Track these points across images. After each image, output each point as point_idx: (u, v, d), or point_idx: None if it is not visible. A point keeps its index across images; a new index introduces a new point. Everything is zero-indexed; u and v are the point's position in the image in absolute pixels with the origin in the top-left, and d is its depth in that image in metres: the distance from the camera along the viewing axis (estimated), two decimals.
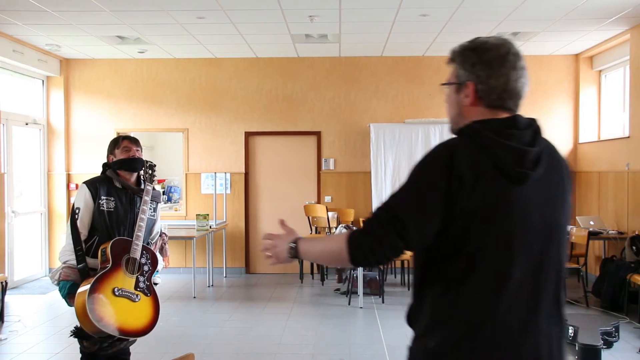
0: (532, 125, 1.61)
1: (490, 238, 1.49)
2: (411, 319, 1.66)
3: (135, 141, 3.34)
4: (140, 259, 3.14)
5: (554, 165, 1.59)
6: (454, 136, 1.63)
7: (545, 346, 1.54)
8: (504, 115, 1.59)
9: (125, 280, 3.05)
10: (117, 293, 2.99)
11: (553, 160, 1.59)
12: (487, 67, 1.56)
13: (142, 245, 3.16)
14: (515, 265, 1.49)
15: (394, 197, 1.57)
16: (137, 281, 3.10)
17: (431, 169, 1.55)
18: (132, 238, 3.15)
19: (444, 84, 1.69)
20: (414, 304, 1.66)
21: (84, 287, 2.93)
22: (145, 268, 3.17)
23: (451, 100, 1.67)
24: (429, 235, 1.52)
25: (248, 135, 8.55)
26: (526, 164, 1.50)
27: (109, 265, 3.01)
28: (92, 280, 2.93)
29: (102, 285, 2.95)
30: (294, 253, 1.72)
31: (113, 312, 2.95)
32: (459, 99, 1.63)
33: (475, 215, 1.48)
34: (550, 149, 1.61)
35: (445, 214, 1.49)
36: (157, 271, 3.45)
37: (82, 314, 2.89)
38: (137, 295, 3.07)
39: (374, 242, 1.53)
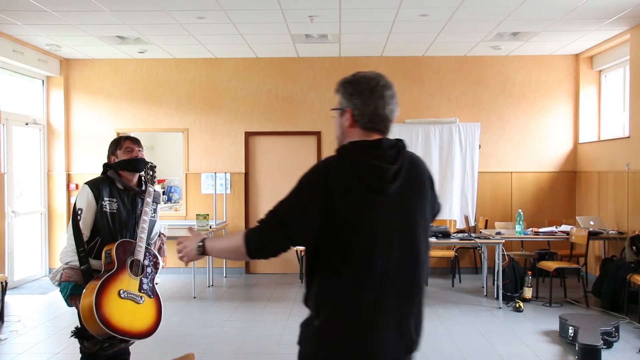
0: (397, 146, 1.98)
1: (357, 237, 1.88)
2: (305, 303, 2.04)
3: (137, 142, 3.32)
4: (143, 260, 3.14)
5: (413, 177, 1.98)
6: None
7: (407, 322, 1.94)
8: (376, 136, 1.97)
9: (130, 283, 3.05)
10: (122, 295, 2.99)
11: (413, 173, 1.98)
12: (360, 96, 1.96)
13: (145, 246, 3.16)
14: (378, 258, 1.88)
15: (282, 204, 1.92)
16: (141, 283, 3.10)
17: (311, 182, 1.91)
18: (134, 239, 3.15)
19: (332, 109, 2.07)
20: (305, 290, 2.04)
21: (91, 290, 2.92)
22: (149, 270, 3.17)
23: (337, 122, 2.06)
24: (309, 235, 1.89)
25: (248, 135, 8.55)
26: (385, 179, 1.89)
27: (114, 267, 3.01)
28: (99, 282, 2.93)
29: (108, 288, 2.95)
30: (202, 250, 2.07)
31: (119, 314, 2.95)
32: (341, 122, 2.03)
33: (346, 218, 1.87)
34: (412, 164, 1.99)
35: (323, 218, 1.86)
36: None
37: (88, 317, 2.89)
38: (141, 297, 3.07)
39: (264, 239, 1.91)
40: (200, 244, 2.08)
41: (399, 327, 1.93)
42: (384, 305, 1.90)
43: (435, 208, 2.14)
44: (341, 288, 1.90)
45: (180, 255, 2.16)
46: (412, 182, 1.98)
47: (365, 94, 1.97)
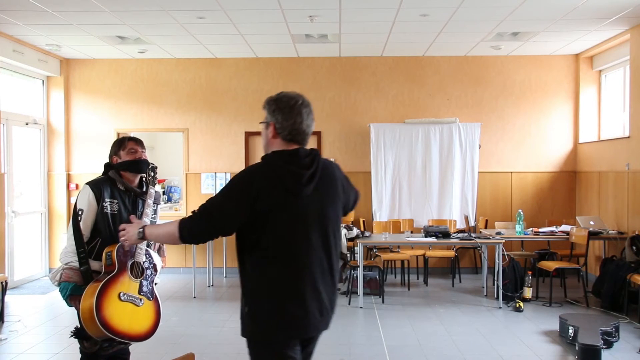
0: (311, 154, 2.36)
1: (279, 231, 2.25)
2: (242, 290, 2.40)
3: (140, 142, 3.31)
4: (143, 263, 3.14)
5: (326, 179, 2.38)
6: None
7: (325, 301, 2.37)
8: (294, 146, 2.35)
9: (130, 285, 3.05)
10: (122, 298, 2.99)
11: (326, 176, 2.38)
12: (281, 113, 2.33)
13: (145, 249, 3.17)
14: (298, 247, 2.27)
15: (212, 200, 2.29)
16: (141, 285, 3.10)
17: (239, 184, 2.27)
18: None
19: (260, 122, 2.46)
20: (240, 278, 2.39)
21: (92, 292, 2.92)
22: (148, 272, 3.17)
23: (263, 134, 2.43)
24: (232, 228, 2.28)
25: (248, 135, 8.55)
26: (301, 181, 2.27)
27: (115, 269, 3.01)
28: (99, 285, 2.93)
29: (109, 291, 2.95)
30: (142, 235, 2.51)
31: (119, 317, 2.95)
32: (266, 133, 2.40)
33: (268, 215, 2.24)
34: (325, 168, 2.39)
35: (248, 214, 2.22)
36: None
37: (89, 319, 2.89)
38: (140, 300, 3.07)
39: (195, 227, 2.28)
40: (141, 230, 2.52)
41: (320, 306, 2.35)
42: (305, 287, 2.28)
43: (351, 200, 2.57)
44: (268, 275, 2.27)
45: (123, 239, 2.57)
46: (325, 183, 2.37)
47: (286, 111, 2.34)
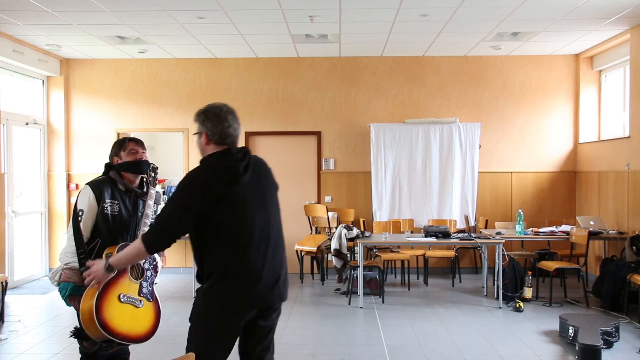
0: (242, 150, 2.73)
1: (228, 219, 2.57)
2: (198, 276, 2.71)
3: (140, 143, 3.30)
4: (143, 264, 3.13)
5: (259, 168, 2.79)
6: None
7: (276, 276, 2.67)
8: (225, 147, 2.70)
9: (130, 287, 3.05)
10: (122, 299, 2.99)
11: (258, 167, 2.78)
12: (210, 122, 2.69)
13: None
14: (245, 229, 2.59)
15: (167, 210, 2.60)
16: (141, 287, 3.10)
17: (185, 190, 2.60)
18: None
19: (194, 134, 2.80)
20: (198, 269, 2.70)
21: (91, 294, 2.91)
22: (148, 273, 3.16)
23: (197, 143, 2.77)
24: (188, 229, 2.60)
25: (248, 135, 8.55)
26: (238, 172, 2.61)
27: (115, 271, 2.99)
28: (99, 286, 2.92)
29: (109, 292, 2.95)
30: (110, 268, 2.81)
31: (118, 318, 2.95)
32: (200, 142, 2.74)
33: (216, 207, 2.55)
34: (256, 160, 2.79)
35: (199, 213, 2.54)
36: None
37: (88, 320, 2.89)
38: (140, 301, 3.07)
39: (158, 239, 2.61)
40: (107, 264, 2.80)
41: (271, 280, 2.64)
42: (257, 264, 2.59)
43: (276, 187, 2.91)
44: (223, 258, 2.57)
45: (89, 279, 2.83)
46: (260, 172, 2.77)
47: (214, 119, 2.69)
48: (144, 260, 3.12)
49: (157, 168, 3.35)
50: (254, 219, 2.62)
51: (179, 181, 2.69)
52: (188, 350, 2.62)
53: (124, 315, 2.98)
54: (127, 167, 3.20)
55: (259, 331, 2.72)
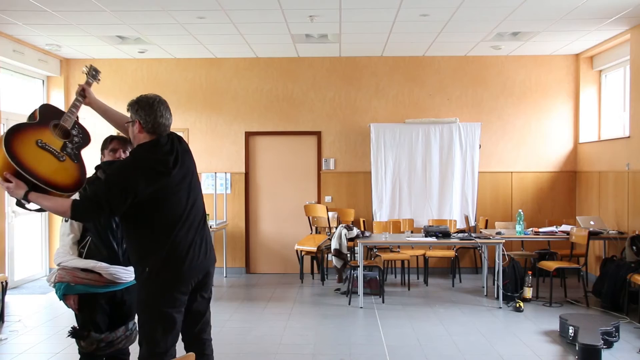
0: (169, 139, 2.92)
1: (162, 203, 2.81)
2: (131, 258, 2.96)
3: (124, 142, 3.30)
4: (71, 129, 2.98)
5: (185, 156, 2.96)
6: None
7: (206, 246, 2.97)
8: (155, 136, 2.88)
9: (51, 138, 2.87)
10: (40, 144, 2.80)
11: (184, 153, 2.95)
12: (143, 111, 2.85)
13: (77, 121, 3.04)
14: (178, 210, 2.84)
15: (101, 189, 2.71)
16: (65, 145, 2.91)
17: (122, 180, 2.73)
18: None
19: (126, 123, 2.97)
20: (129, 248, 2.95)
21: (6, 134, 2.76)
22: (76, 139, 3.00)
23: (130, 131, 2.93)
24: (117, 213, 2.77)
25: (248, 135, 8.55)
26: (168, 166, 2.82)
27: (36, 121, 2.89)
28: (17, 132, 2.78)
29: (25, 133, 2.79)
30: (26, 198, 2.70)
31: (35, 159, 2.76)
32: (133, 130, 2.90)
33: (152, 193, 2.76)
34: (182, 148, 2.97)
35: (133, 201, 2.71)
36: None
37: (3, 160, 2.69)
38: (62, 156, 2.87)
39: (86, 212, 2.73)
40: (25, 194, 2.68)
41: (203, 250, 2.93)
42: (190, 240, 2.86)
43: (195, 167, 3.10)
44: (159, 238, 2.79)
45: (8, 190, 2.69)
46: (185, 160, 2.94)
47: (147, 109, 2.84)
48: (72, 127, 3.02)
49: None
50: (186, 202, 2.88)
51: (116, 160, 3.00)
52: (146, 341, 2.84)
53: (43, 159, 2.79)
54: (106, 167, 3.23)
55: (203, 305, 3.02)
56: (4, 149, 2.67)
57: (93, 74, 3.29)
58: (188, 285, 2.87)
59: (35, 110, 2.94)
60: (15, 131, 2.77)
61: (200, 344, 3.03)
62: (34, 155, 2.76)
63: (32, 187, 2.71)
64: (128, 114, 2.92)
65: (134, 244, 2.88)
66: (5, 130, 2.79)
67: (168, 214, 2.82)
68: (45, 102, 3.13)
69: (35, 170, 2.72)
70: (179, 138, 3.02)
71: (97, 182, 2.87)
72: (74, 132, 3.01)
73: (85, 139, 3.06)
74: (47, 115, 2.94)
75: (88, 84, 3.23)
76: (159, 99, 2.90)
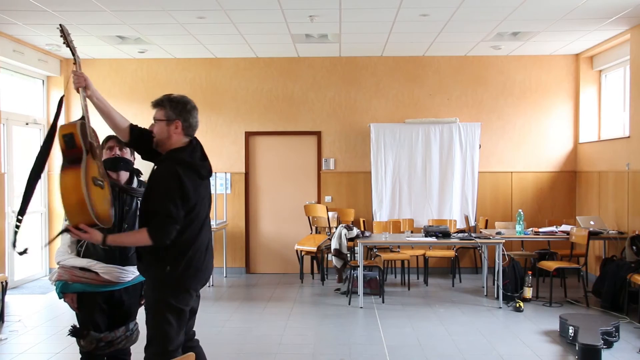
0: (198, 145, 3.03)
1: (197, 206, 2.88)
2: (145, 257, 2.89)
3: (119, 140, 3.28)
4: (96, 144, 2.93)
5: None
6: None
7: (212, 248, 3.11)
8: (187, 139, 2.95)
9: (96, 168, 2.85)
10: (96, 183, 2.77)
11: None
12: (187, 113, 2.90)
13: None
14: (204, 213, 2.97)
15: (165, 205, 2.75)
16: (99, 166, 2.89)
17: (174, 187, 2.78)
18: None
19: (160, 120, 2.88)
20: (145, 248, 2.84)
21: (74, 183, 2.66)
22: (98, 151, 2.95)
23: (163, 129, 2.88)
24: (182, 218, 2.81)
25: (248, 135, 8.55)
26: (208, 172, 2.99)
27: (82, 153, 2.75)
28: (80, 174, 2.68)
29: (88, 179, 2.71)
30: (104, 242, 2.77)
31: (100, 203, 2.76)
32: (168, 129, 2.88)
33: (194, 201, 2.85)
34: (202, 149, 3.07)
35: (188, 201, 2.82)
36: None
37: (79, 212, 2.65)
38: (102, 181, 2.86)
39: (166, 233, 2.76)
40: (104, 240, 2.75)
41: (211, 250, 3.09)
42: (208, 239, 3.01)
43: None
44: (188, 240, 2.86)
45: (85, 236, 2.72)
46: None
47: (191, 111, 2.92)
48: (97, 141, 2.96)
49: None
50: (207, 206, 3.03)
51: (164, 169, 2.82)
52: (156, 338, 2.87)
53: (99, 198, 2.77)
54: (104, 165, 3.20)
55: (197, 303, 3.14)
56: (88, 205, 2.62)
57: (66, 37, 2.96)
58: (204, 283, 3.02)
59: (74, 137, 2.75)
60: (88, 184, 2.67)
61: (191, 337, 3.19)
62: (97, 197, 2.73)
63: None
64: (155, 110, 2.89)
65: (153, 247, 2.84)
66: (82, 178, 2.66)
67: (199, 217, 2.90)
68: (79, 122, 2.90)
69: (98, 214, 2.70)
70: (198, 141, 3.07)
71: (156, 200, 2.77)
72: (96, 144, 2.88)
73: (98, 142, 2.98)
74: (84, 140, 2.79)
75: (78, 65, 2.92)
76: (192, 104, 2.97)
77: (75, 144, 2.73)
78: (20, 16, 6.33)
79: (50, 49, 7.81)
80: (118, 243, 2.88)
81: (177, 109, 2.86)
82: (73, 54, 2.99)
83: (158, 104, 2.88)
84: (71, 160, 2.73)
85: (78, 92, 2.88)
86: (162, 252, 2.82)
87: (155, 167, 2.93)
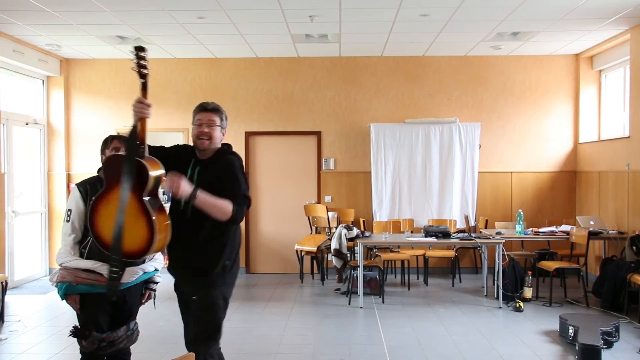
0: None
1: None
2: (210, 257, 3.11)
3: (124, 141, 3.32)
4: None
5: None
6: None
7: None
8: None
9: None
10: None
11: None
12: (226, 120, 3.30)
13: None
14: None
15: (244, 187, 3.11)
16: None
17: (243, 171, 3.20)
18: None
19: (219, 126, 3.21)
20: (209, 247, 3.10)
21: (165, 225, 2.81)
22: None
23: (219, 134, 3.22)
24: None
25: (248, 135, 8.55)
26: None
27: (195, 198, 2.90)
28: (164, 213, 2.85)
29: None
30: (195, 196, 2.87)
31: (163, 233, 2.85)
32: (220, 134, 3.23)
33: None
34: None
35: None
36: (156, 270, 3.47)
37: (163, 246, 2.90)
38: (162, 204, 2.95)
39: (244, 214, 3.13)
40: (196, 193, 2.85)
41: None
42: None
43: None
44: (238, 233, 3.26)
45: (175, 190, 2.79)
46: None
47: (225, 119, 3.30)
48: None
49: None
50: None
51: (232, 161, 3.12)
52: (217, 327, 3.24)
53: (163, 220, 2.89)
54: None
55: None
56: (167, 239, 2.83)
57: (141, 62, 2.85)
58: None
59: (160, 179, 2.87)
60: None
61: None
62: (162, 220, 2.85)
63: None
64: (218, 118, 3.18)
65: (218, 242, 3.09)
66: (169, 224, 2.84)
67: None
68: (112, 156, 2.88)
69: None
70: None
71: (235, 185, 3.06)
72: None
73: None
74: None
75: (145, 93, 2.85)
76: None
77: (158, 190, 2.87)
78: (20, 16, 6.33)
79: (50, 49, 7.81)
80: (204, 203, 2.89)
81: (224, 116, 3.28)
82: (144, 83, 2.97)
83: (218, 110, 3.20)
84: (158, 205, 2.81)
85: (137, 122, 2.81)
86: (224, 249, 3.10)
87: (209, 162, 3.12)
